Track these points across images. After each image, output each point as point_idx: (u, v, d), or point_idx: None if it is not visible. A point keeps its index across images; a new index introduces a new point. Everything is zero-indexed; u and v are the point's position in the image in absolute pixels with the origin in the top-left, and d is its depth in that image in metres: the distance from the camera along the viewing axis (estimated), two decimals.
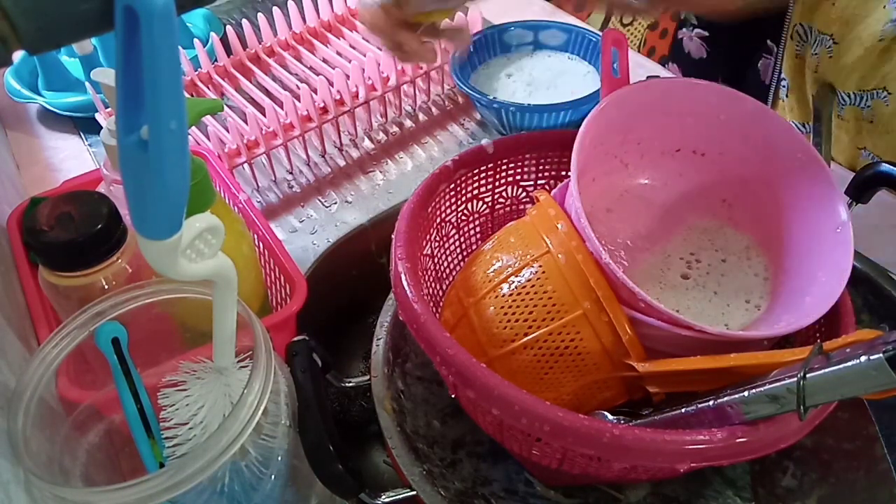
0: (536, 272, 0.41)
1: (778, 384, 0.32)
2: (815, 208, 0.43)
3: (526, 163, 0.52)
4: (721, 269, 0.47)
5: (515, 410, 0.34)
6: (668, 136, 0.48)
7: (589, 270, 0.39)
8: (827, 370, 0.30)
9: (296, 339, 0.46)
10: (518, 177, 0.53)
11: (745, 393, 0.33)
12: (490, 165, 0.51)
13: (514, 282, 0.42)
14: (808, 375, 0.31)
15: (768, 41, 0.79)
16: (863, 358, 0.28)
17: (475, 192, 0.52)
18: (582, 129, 0.42)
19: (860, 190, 0.50)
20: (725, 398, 0.34)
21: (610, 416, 0.40)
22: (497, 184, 0.53)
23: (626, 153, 0.49)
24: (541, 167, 0.53)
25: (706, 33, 0.91)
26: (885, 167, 0.49)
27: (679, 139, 0.48)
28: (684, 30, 0.92)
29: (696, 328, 0.36)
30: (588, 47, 0.78)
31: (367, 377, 0.49)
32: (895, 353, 0.27)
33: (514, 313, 0.41)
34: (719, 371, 0.36)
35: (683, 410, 0.37)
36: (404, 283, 0.40)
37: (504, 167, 0.52)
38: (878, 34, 0.62)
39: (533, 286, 0.41)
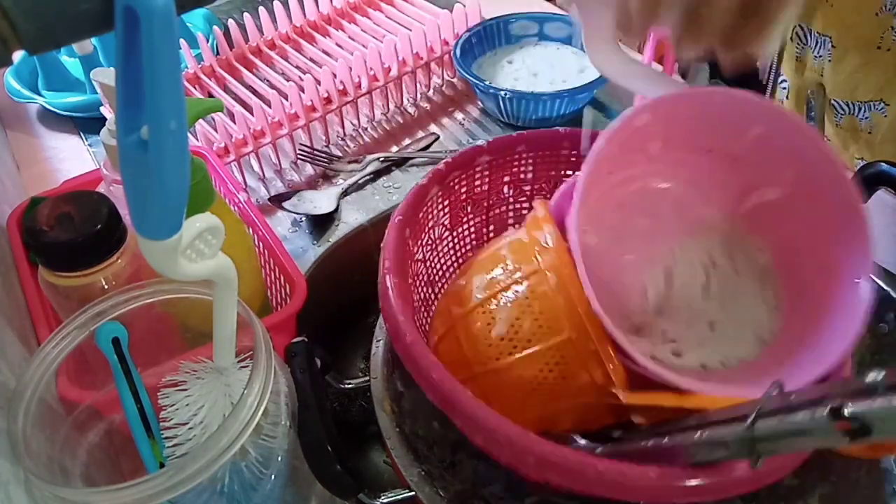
0: (525, 291, 0.40)
1: (726, 428, 0.29)
2: (841, 252, 0.39)
3: (521, 162, 0.52)
4: (732, 286, 0.44)
5: (499, 441, 0.33)
6: (697, 142, 0.44)
7: (578, 298, 0.37)
8: (777, 419, 0.26)
9: (295, 339, 0.46)
10: (513, 176, 0.53)
11: (697, 435, 0.31)
12: (485, 165, 0.51)
13: (502, 298, 0.41)
14: (757, 424, 0.27)
15: None
16: (812, 411, 0.24)
17: (469, 193, 0.52)
18: (608, 133, 0.38)
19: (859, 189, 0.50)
20: (678, 437, 0.32)
21: (581, 441, 0.39)
22: (492, 184, 0.52)
23: (651, 154, 0.45)
24: (537, 166, 0.52)
25: None
26: (885, 166, 0.49)
27: (708, 143, 0.44)
28: None
29: (667, 378, 0.34)
30: None
31: (367, 378, 0.49)
32: (840, 408, 0.22)
33: (500, 330, 0.40)
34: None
35: (642, 444, 0.36)
36: (391, 297, 0.39)
37: (498, 167, 0.52)
38: (876, 42, 0.61)
39: (520, 305, 0.40)
